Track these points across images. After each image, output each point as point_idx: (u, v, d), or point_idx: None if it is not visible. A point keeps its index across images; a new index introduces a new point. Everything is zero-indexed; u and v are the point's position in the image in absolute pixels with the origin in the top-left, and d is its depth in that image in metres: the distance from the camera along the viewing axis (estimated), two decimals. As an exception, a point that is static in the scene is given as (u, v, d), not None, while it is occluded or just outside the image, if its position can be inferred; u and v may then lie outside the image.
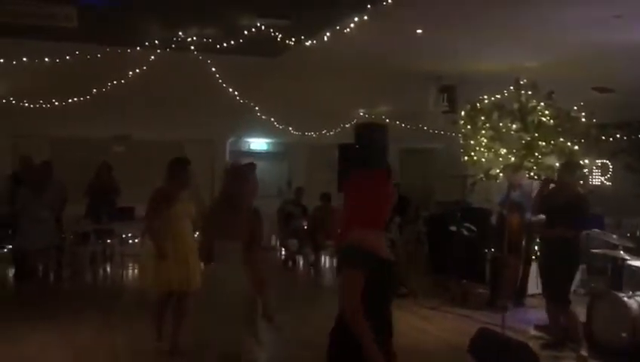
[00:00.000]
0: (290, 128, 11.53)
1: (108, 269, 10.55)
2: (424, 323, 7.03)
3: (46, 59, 7.37)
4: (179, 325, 5.55)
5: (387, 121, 10.88)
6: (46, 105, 9.07)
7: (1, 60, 7.25)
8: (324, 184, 11.06)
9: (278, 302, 7.32)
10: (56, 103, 8.98)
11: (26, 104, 9.08)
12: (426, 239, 11.88)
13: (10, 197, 9.57)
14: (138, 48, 7.38)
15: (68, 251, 9.93)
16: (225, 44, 7.32)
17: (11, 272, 9.57)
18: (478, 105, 9.04)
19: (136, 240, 11.68)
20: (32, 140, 11.37)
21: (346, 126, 11.22)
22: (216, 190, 6.84)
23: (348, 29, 6.27)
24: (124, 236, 10.90)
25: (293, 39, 6.86)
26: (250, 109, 9.89)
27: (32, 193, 8.88)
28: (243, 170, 4.29)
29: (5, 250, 10.18)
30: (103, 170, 10.71)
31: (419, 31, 6.68)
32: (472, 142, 9.07)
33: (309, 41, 6.90)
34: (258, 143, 13.97)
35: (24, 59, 7.34)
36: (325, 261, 11.39)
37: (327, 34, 6.63)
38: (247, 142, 13.84)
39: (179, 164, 5.58)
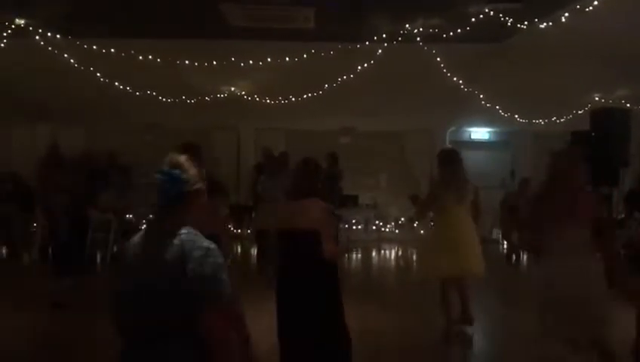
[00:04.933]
0: (516, 116, 11.03)
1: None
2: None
3: (286, 59, 8.08)
4: (466, 306, 5.77)
5: (628, 106, 9.83)
6: (283, 101, 9.93)
7: (250, 62, 8.12)
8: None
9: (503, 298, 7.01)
10: (293, 99, 9.79)
11: (267, 100, 10.04)
12: (675, 238, 10.45)
13: (253, 185, 10.76)
14: (367, 43, 7.71)
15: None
16: (451, 33, 7.30)
17: (255, 251, 10.70)
18: None
19: (359, 227, 12.37)
20: (270, 133, 12.55)
21: (579, 112, 10.40)
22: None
23: (591, 7, 5.80)
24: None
25: (525, 22, 6.57)
26: (471, 98, 9.71)
27: (271, 181, 9.88)
28: None
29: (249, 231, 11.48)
30: (329, 159, 11.38)
31: (675, 1, 5.95)
32: None
33: (544, 24, 6.54)
34: (479, 132, 13.61)
35: (268, 59, 8.14)
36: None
37: (566, 14, 6.21)
38: (468, 131, 13.56)
39: (450, 156, 5.65)
